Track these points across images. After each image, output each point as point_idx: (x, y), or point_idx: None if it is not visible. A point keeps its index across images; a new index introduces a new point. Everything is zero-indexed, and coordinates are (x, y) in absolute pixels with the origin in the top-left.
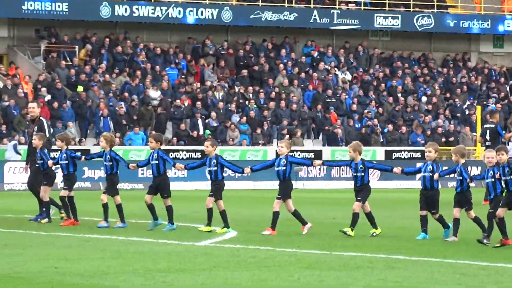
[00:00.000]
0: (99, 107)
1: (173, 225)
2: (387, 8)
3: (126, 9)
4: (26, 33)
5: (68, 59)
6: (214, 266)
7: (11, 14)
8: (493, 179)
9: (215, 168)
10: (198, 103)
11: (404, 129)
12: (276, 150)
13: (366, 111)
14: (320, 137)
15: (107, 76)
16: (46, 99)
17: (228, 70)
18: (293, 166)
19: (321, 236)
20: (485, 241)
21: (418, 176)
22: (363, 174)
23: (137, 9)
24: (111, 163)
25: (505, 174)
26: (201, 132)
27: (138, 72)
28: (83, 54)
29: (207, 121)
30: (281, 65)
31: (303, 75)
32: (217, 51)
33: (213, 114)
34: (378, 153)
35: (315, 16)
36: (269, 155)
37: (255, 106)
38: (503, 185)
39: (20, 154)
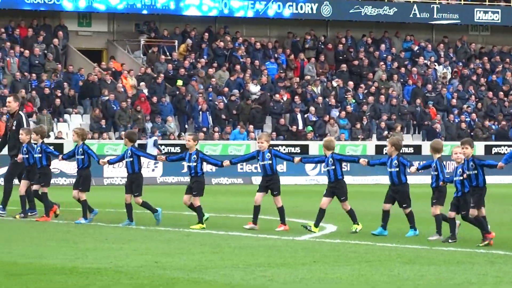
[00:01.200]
0: (197, 102)
1: (132, 222)
2: (487, 3)
3: (225, 4)
4: (126, 27)
5: (167, 53)
6: (314, 260)
7: (111, 9)
8: (461, 178)
9: (195, 163)
10: (297, 98)
11: (504, 123)
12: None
13: (465, 106)
14: (420, 132)
15: (210, 70)
16: (146, 94)
17: (327, 65)
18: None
19: (421, 232)
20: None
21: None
22: (334, 167)
23: (238, 4)
24: (83, 157)
25: (469, 168)
26: (300, 127)
27: (238, 67)
28: (182, 48)
29: (306, 115)
30: (381, 60)
31: (402, 69)
32: (317, 45)
33: (312, 108)
34: (478, 148)
35: (414, 10)
36: (368, 149)
37: (353, 100)
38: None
39: (160, 150)
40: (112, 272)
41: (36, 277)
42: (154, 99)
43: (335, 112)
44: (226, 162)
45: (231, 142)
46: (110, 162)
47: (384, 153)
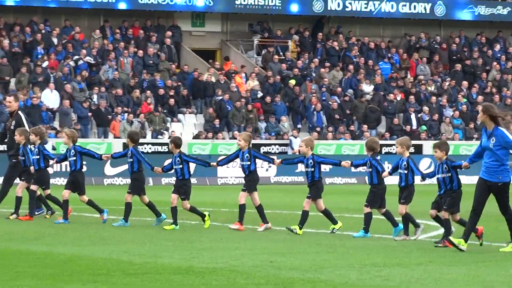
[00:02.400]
0: (311, 102)
1: (126, 222)
2: None
3: (338, 3)
4: (240, 27)
5: (280, 53)
6: (430, 261)
7: (224, 9)
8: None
9: (181, 166)
10: (411, 98)
11: None
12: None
13: None
14: None
15: (322, 70)
16: (258, 95)
17: (441, 65)
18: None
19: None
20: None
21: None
22: (313, 169)
23: (350, 3)
24: (75, 159)
25: (442, 171)
26: (414, 127)
27: (351, 67)
28: (292, 46)
29: (419, 115)
30: (494, 60)
31: None
32: (431, 45)
33: (426, 108)
34: None
35: None
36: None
37: (464, 100)
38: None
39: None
40: (228, 272)
41: (152, 276)
42: (268, 99)
43: (449, 112)
44: (214, 163)
45: (343, 142)
46: (113, 157)
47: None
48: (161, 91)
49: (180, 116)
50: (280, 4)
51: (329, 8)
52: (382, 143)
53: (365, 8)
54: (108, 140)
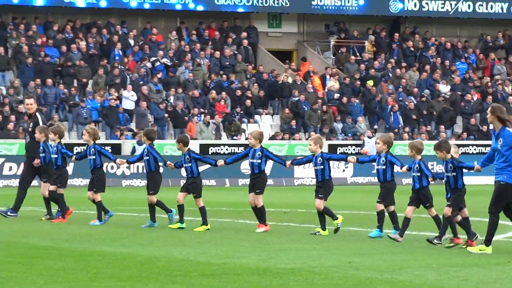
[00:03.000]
0: (387, 102)
1: (154, 222)
2: None
3: (415, 3)
4: (316, 28)
5: (357, 54)
6: (509, 261)
7: (301, 9)
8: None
9: (190, 164)
10: (489, 98)
11: None
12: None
13: None
14: None
15: (397, 70)
16: (335, 96)
17: None
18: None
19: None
20: (435, 240)
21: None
22: (322, 167)
23: (427, 3)
24: (94, 157)
25: (447, 170)
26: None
27: (427, 67)
28: (369, 46)
29: None
30: None
31: None
32: (508, 45)
33: None
34: None
35: None
36: None
37: None
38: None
39: None
40: (306, 273)
41: (230, 277)
42: (344, 99)
43: None
44: (220, 162)
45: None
46: (129, 162)
47: None
48: (238, 92)
49: (256, 117)
50: (356, 5)
51: (405, 9)
52: (459, 143)
53: (442, 8)
54: None
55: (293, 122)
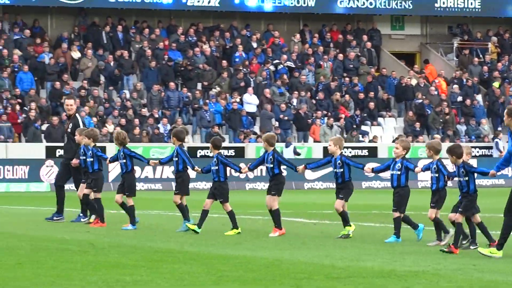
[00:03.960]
0: (510, 103)
1: (188, 220)
2: None
3: None
4: (439, 30)
5: (480, 55)
6: None
7: (424, 12)
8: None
9: (217, 167)
10: None
11: None
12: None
13: None
14: None
15: None
16: (458, 98)
17: None
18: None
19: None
20: (471, 247)
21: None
22: (342, 169)
23: None
24: (124, 161)
25: (459, 175)
26: None
27: None
28: (493, 49)
29: None
30: None
31: None
32: None
33: None
34: None
35: None
36: None
37: None
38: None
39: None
40: (430, 275)
41: (355, 280)
42: (467, 101)
43: None
44: (245, 169)
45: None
46: (161, 162)
47: None
48: (361, 95)
49: (380, 119)
50: (479, 6)
51: None
52: None
53: None
54: (308, 144)
55: (417, 124)
